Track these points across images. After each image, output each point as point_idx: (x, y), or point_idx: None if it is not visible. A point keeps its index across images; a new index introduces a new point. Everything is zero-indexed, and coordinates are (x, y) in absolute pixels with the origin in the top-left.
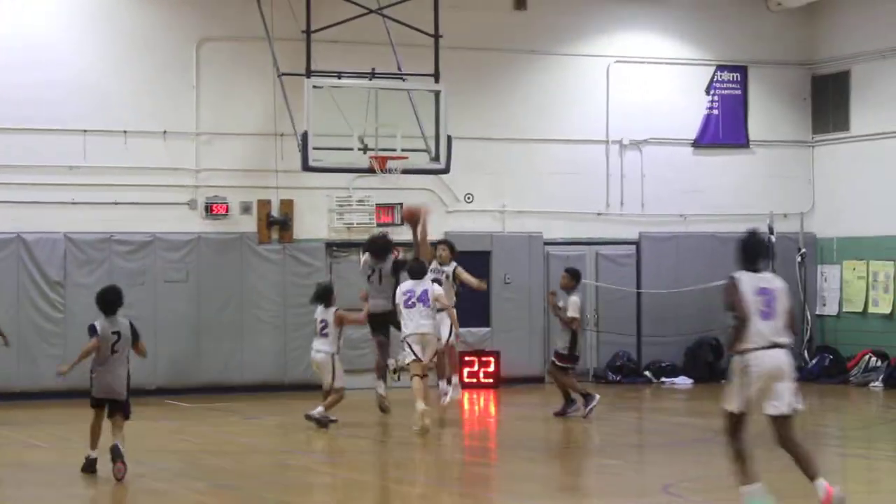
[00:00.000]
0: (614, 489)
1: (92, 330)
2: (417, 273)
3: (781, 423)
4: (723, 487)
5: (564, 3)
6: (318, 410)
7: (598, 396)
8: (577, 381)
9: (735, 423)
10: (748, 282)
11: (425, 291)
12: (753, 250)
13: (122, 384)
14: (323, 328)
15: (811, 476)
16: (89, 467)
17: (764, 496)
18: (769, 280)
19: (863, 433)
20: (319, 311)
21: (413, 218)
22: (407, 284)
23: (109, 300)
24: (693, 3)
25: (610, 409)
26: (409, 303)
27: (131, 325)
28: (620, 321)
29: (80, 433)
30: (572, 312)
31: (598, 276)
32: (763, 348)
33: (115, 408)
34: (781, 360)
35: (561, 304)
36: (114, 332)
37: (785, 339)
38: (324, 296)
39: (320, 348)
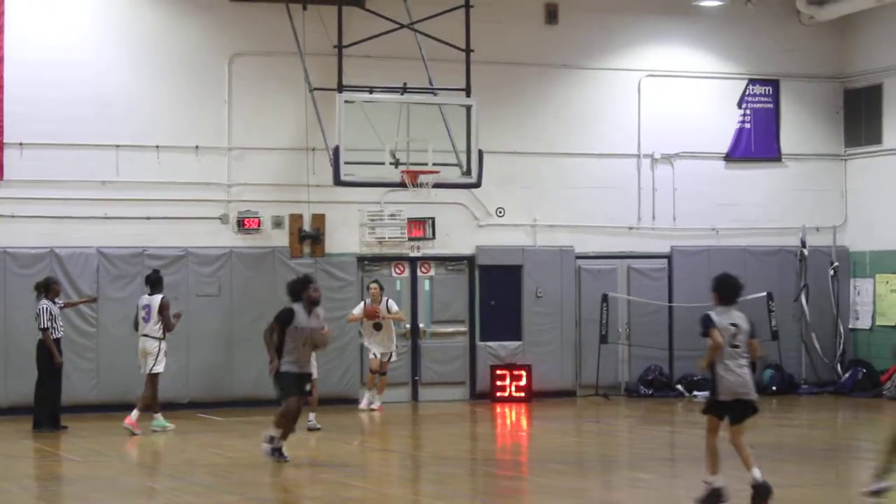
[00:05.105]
0: (646, 503)
1: (707, 321)
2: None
3: None
4: None
5: (596, 18)
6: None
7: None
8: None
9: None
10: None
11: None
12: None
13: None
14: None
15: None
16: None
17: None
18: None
19: None
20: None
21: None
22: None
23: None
24: (725, 16)
25: (642, 423)
26: None
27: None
28: (652, 335)
29: (113, 447)
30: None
31: (630, 289)
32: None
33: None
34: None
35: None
36: (731, 324)
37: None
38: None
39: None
